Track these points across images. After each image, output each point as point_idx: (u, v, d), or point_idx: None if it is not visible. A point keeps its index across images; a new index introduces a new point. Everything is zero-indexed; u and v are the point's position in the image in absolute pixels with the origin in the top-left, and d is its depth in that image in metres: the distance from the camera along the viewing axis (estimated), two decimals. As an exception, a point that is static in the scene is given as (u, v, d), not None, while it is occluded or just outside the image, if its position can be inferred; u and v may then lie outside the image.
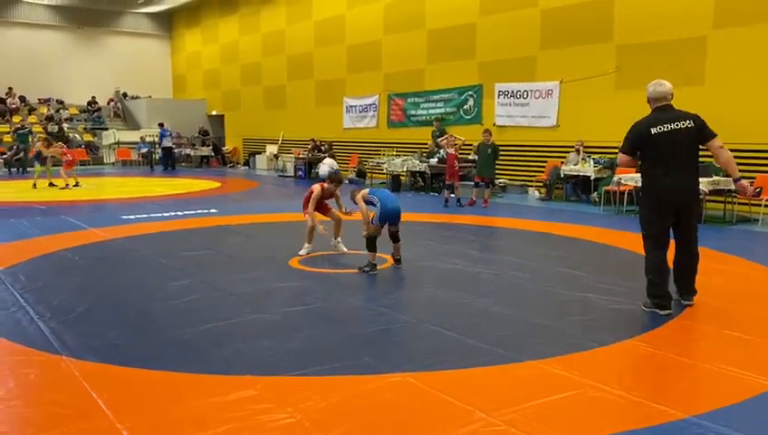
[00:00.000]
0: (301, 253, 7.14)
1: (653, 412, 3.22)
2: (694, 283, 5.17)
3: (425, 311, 5.14)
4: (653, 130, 4.89)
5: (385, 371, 3.76)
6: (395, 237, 6.55)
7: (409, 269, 6.57)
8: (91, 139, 26.12)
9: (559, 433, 3.01)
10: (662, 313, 4.87)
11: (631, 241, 8.20)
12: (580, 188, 12.98)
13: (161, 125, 23.05)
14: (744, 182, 5.18)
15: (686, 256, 5.07)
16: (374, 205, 6.44)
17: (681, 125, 4.87)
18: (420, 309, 5.23)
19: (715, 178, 9.88)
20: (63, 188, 14.74)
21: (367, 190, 6.65)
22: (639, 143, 4.98)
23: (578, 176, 12.76)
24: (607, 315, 4.93)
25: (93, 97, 28.28)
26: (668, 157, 4.88)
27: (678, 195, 4.92)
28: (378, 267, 6.39)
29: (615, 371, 3.82)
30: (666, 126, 4.88)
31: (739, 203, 10.26)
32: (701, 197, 4.80)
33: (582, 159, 12.61)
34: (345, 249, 7.21)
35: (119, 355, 4.08)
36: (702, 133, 4.95)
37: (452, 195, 12.35)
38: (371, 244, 6.43)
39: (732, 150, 10.54)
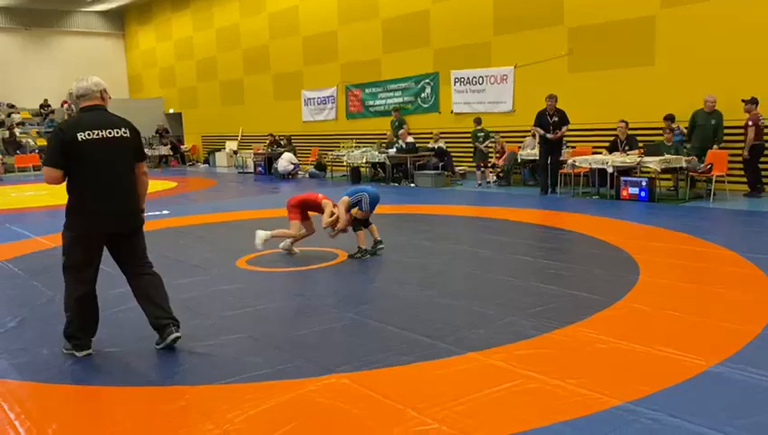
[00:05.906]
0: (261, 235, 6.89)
1: (588, 400, 3.17)
2: (170, 308, 4.28)
3: (371, 307, 5.03)
4: (80, 136, 3.84)
5: (320, 373, 3.64)
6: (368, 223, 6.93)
7: (361, 263, 6.47)
8: (44, 143, 25.40)
9: (489, 429, 2.94)
10: (80, 354, 4.09)
11: (584, 224, 8.22)
12: (538, 172, 13.02)
13: None
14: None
15: (148, 280, 4.42)
16: (360, 200, 6.71)
17: (116, 133, 3.96)
18: (367, 306, 5.11)
19: (666, 156, 9.97)
20: None
21: (348, 198, 6.72)
22: (66, 151, 3.83)
23: (535, 160, 12.78)
24: (553, 302, 4.88)
25: (46, 100, 27.50)
26: (101, 173, 3.92)
27: (115, 223, 4.06)
28: (368, 255, 6.65)
29: (555, 359, 3.76)
30: (96, 132, 3.88)
31: (691, 180, 10.36)
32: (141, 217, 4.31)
33: (539, 143, 12.60)
34: (297, 251, 7.06)
35: (45, 372, 3.88)
36: (136, 147, 4.11)
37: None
38: (360, 225, 6.74)
39: (684, 129, 10.78)
